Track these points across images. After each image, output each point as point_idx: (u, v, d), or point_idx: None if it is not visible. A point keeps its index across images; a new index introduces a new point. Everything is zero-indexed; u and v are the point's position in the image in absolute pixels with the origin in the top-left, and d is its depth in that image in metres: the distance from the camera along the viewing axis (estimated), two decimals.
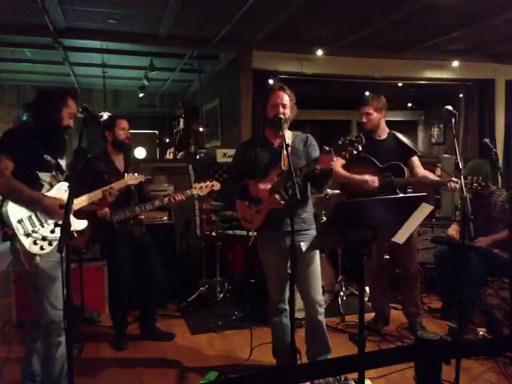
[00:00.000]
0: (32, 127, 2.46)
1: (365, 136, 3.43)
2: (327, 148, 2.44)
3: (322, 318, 2.81)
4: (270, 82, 5.40)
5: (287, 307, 2.87)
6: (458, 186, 3.02)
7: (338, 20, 4.80)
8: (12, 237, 2.32)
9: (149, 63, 6.33)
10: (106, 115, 3.06)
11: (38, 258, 2.33)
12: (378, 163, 3.43)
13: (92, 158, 3.42)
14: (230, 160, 4.99)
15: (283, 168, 2.59)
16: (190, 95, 9.37)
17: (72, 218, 2.51)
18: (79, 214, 2.62)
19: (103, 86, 7.71)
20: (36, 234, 2.35)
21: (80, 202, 2.65)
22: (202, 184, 3.34)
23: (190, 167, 4.90)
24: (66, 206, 1.89)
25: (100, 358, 3.30)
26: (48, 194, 2.43)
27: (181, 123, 9.70)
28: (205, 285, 4.39)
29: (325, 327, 2.85)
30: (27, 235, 2.32)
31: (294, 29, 5.00)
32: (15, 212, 2.32)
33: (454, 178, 3.12)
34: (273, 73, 5.51)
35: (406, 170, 3.39)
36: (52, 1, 4.12)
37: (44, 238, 2.36)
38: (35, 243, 2.33)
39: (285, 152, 2.44)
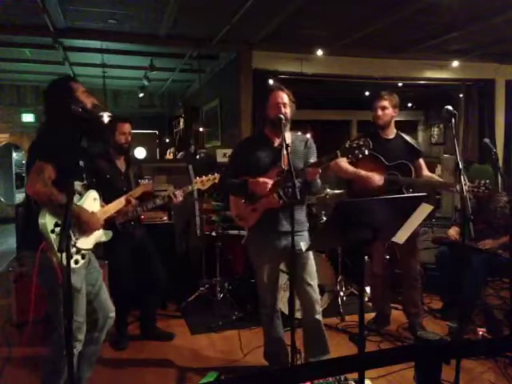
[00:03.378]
0: (78, 132, 2.16)
1: (372, 134, 3.44)
2: (313, 162, 2.61)
3: (319, 316, 2.77)
4: (270, 82, 5.39)
5: (278, 308, 2.88)
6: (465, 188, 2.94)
7: (338, 20, 4.80)
8: (47, 250, 2.19)
9: (149, 63, 6.33)
10: (106, 115, 3.05)
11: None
12: (384, 161, 3.39)
13: (94, 155, 3.41)
14: None
15: (283, 167, 2.60)
16: (190, 95, 9.37)
17: (99, 230, 2.47)
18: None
19: (103, 85, 7.70)
20: (71, 247, 2.23)
21: (107, 210, 2.57)
22: (204, 178, 3.30)
23: (190, 167, 4.89)
24: (67, 206, 1.87)
25: (100, 357, 3.29)
26: (78, 204, 2.32)
27: (181, 123, 9.71)
28: (205, 285, 4.38)
29: (323, 327, 2.82)
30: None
31: (294, 29, 5.00)
32: (52, 224, 2.20)
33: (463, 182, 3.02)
34: (273, 73, 5.51)
35: (413, 170, 3.39)
36: (52, 1, 4.12)
37: (78, 251, 2.29)
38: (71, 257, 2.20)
39: (285, 152, 2.46)
